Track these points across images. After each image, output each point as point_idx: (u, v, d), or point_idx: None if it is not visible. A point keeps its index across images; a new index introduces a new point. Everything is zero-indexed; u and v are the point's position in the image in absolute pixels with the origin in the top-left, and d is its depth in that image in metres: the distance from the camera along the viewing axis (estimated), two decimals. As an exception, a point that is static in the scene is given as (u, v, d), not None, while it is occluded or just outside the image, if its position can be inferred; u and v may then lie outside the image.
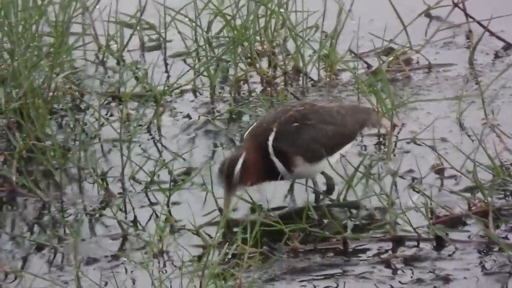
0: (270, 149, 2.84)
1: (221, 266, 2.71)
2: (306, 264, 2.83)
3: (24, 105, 3.27)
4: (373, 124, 3.04)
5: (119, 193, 3.10)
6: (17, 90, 3.28)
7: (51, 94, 3.36)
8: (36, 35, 3.35)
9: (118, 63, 3.74)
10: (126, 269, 2.81)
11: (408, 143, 3.34)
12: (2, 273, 2.79)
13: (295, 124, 2.86)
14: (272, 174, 2.87)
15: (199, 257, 2.74)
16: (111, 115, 3.51)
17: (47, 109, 3.33)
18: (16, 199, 3.08)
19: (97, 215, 3.02)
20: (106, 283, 2.75)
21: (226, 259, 2.74)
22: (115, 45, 3.75)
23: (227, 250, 2.73)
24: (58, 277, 2.78)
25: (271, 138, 2.84)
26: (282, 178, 2.90)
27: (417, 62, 3.78)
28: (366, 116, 3.00)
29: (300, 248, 2.89)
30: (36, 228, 2.98)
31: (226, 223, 2.82)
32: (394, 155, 3.25)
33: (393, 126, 3.27)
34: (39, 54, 3.33)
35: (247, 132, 2.91)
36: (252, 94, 3.60)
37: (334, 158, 2.93)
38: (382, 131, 3.36)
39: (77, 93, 3.54)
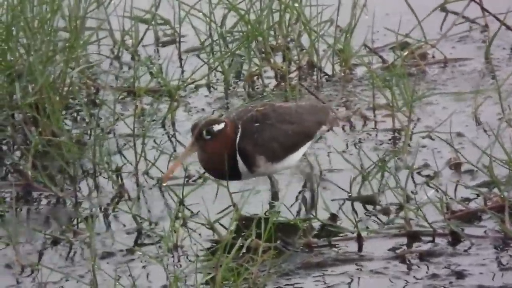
0: (236, 146, 2.86)
1: (236, 261, 2.70)
2: (320, 259, 2.82)
3: (39, 100, 3.28)
4: (330, 123, 3.04)
5: (137, 188, 3.11)
6: (33, 85, 3.29)
7: (66, 89, 3.37)
8: (52, 30, 3.36)
9: (133, 58, 3.74)
10: (141, 263, 2.82)
11: (423, 137, 3.32)
12: (19, 266, 2.79)
13: (257, 124, 2.87)
14: (233, 172, 2.86)
15: (214, 252, 2.74)
16: (126, 110, 3.51)
17: (62, 104, 3.33)
18: (31, 194, 3.09)
19: (112, 209, 3.03)
20: (120, 277, 2.75)
21: (241, 254, 2.73)
22: (130, 40, 3.75)
23: (241, 245, 2.72)
24: (73, 271, 2.79)
25: (238, 137, 2.86)
26: (238, 178, 2.89)
27: (433, 57, 3.76)
28: (325, 115, 3.00)
29: (314, 243, 2.88)
30: (51, 222, 2.99)
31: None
32: (410, 150, 3.23)
33: (408, 120, 3.25)
34: (55, 49, 3.34)
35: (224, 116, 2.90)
36: (266, 89, 3.59)
37: (295, 157, 2.93)
38: (398, 125, 3.35)
39: (92, 88, 3.55)
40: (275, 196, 2.99)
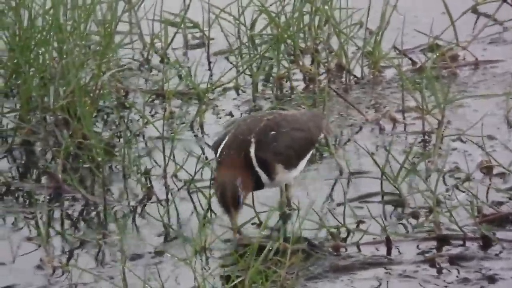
0: (254, 161, 2.83)
1: (264, 264, 2.70)
2: (348, 262, 2.80)
3: (71, 103, 3.32)
4: (326, 130, 3.03)
5: (166, 190, 3.12)
6: (64, 88, 3.33)
7: (97, 92, 3.40)
8: (84, 34, 3.40)
9: (162, 61, 3.77)
10: (169, 265, 2.83)
11: (454, 140, 3.29)
12: (50, 267, 2.82)
13: (272, 132, 2.86)
14: (257, 185, 2.86)
15: (242, 254, 2.74)
16: (156, 112, 3.53)
17: (93, 107, 3.37)
18: (62, 196, 3.13)
19: (141, 212, 3.05)
20: (149, 279, 2.77)
21: (269, 257, 2.73)
22: (160, 43, 3.78)
23: (269, 248, 2.72)
24: (103, 272, 2.81)
25: (252, 149, 2.83)
26: (262, 187, 2.89)
27: (464, 59, 3.72)
28: (321, 121, 3.00)
29: (342, 246, 2.86)
30: (81, 224, 3.02)
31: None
32: (440, 153, 3.20)
33: (440, 123, 3.22)
34: (87, 52, 3.37)
35: (220, 145, 2.87)
36: (294, 92, 3.59)
37: (303, 164, 2.92)
38: (427, 128, 3.32)
39: (122, 91, 3.58)
40: (283, 206, 2.96)
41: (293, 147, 2.87)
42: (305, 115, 2.97)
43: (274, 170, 2.85)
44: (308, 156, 2.93)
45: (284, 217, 2.95)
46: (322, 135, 3.02)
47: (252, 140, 2.85)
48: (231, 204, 2.82)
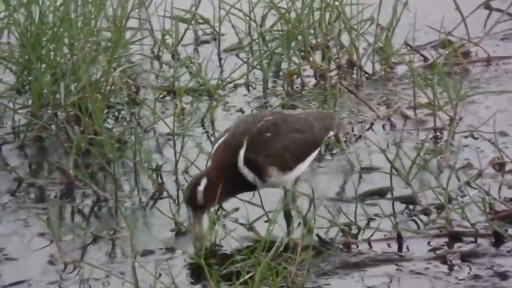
0: (240, 161, 2.79)
1: (274, 260, 2.70)
2: (359, 259, 2.79)
3: (82, 99, 3.32)
4: (337, 128, 2.99)
5: (176, 186, 3.13)
6: (75, 84, 3.33)
7: (108, 88, 3.40)
8: (95, 30, 3.40)
9: (173, 58, 3.77)
10: (180, 261, 2.83)
11: (466, 137, 3.27)
12: (62, 263, 2.83)
13: (268, 134, 2.83)
14: (245, 186, 2.82)
15: (252, 251, 2.74)
16: (166, 109, 3.54)
17: (104, 103, 3.37)
18: (73, 192, 3.14)
19: (151, 208, 3.05)
20: (160, 275, 2.77)
21: (279, 253, 2.73)
22: (170, 40, 3.78)
23: (279, 244, 2.71)
24: (115, 268, 2.82)
25: (242, 151, 2.80)
26: (254, 189, 2.86)
27: (476, 55, 3.70)
28: (331, 121, 2.96)
29: (353, 243, 2.85)
30: (92, 220, 3.03)
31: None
32: (452, 150, 3.19)
33: (452, 119, 3.20)
34: (98, 48, 3.38)
35: (216, 145, 2.86)
36: (305, 88, 3.58)
37: (304, 166, 2.88)
38: (439, 124, 3.31)
39: (133, 87, 3.59)
40: (287, 214, 2.93)
41: (289, 149, 2.83)
42: (311, 115, 2.93)
43: (267, 173, 2.81)
44: (311, 157, 2.88)
45: (289, 215, 2.94)
46: (330, 135, 2.97)
47: (245, 141, 2.82)
48: (188, 203, 2.79)
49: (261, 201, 2.96)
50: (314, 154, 2.91)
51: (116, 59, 3.40)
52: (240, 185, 2.81)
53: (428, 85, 3.38)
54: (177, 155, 3.18)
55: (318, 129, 2.90)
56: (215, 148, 2.86)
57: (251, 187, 2.84)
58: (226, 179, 2.79)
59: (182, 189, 3.03)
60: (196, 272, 2.77)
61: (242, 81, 3.63)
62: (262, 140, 2.83)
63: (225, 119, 3.47)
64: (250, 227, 2.90)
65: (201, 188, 2.78)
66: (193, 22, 3.81)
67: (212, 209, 2.86)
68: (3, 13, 3.54)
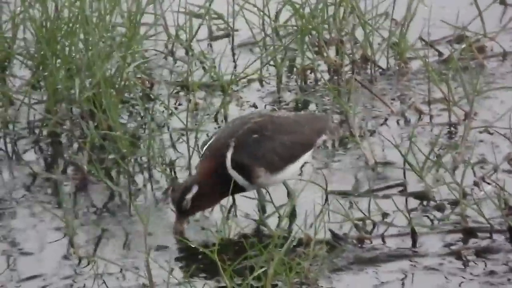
0: (228, 163, 2.81)
1: (287, 255, 2.69)
2: (373, 254, 2.79)
3: (96, 94, 3.34)
4: (331, 132, 2.99)
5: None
6: (90, 79, 3.35)
7: (122, 83, 3.42)
8: (110, 26, 3.41)
9: (187, 53, 3.77)
10: (193, 256, 2.84)
11: (481, 132, 3.25)
12: (76, 257, 2.85)
13: (255, 136, 2.83)
14: (234, 188, 2.83)
15: (265, 246, 2.74)
16: (180, 104, 3.54)
17: (118, 98, 3.38)
18: (87, 187, 3.15)
19: (165, 202, 3.06)
20: (173, 269, 2.78)
21: (292, 248, 2.73)
22: (184, 35, 3.79)
23: (292, 239, 2.71)
24: (129, 263, 2.83)
25: (229, 154, 2.82)
26: (244, 190, 2.87)
27: (491, 50, 3.67)
28: (323, 124, 2.95)
29: (367, 238, 2.85)
30: (106, 215, 3.04)
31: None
32: (467, 145, 3.17)
33: (468, 114, 3.19)
34: (112, 44, 3.39)
35: (205, 147, 2.88)
36: (319, 83, 3.57)
37: (295, 167, 2.88)
38: (453, 119, 3.29)
39: (147, 82, 3.59)
40: (263, 209, 2.94)
41: (276, 150, 2.83)
42: (302, 117, 2.94)
43: (255, 174, 2.82)
44: (302, 158, 2.88)
45: (293, 214, 2.94)
46: (324, 138, 2.97)
47: (231, 143, 2.83)
48: (175, 207, 2.83)
49: (270, 197, 2.96)
50: (307, 155, 2.91)
51: (130, 54, 3.41)
52: (230, 188, 2.83)
53: (443, 80, 3.36)
54: (191, 150, 3.19)
55: (308, 131, 2.90)
56: (203, 151, 2.88)
57: (241, 189, 2.85)
58: (216, 186, 2.83)
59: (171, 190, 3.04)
60: (209, 267, 2.78)
61: (255, 76, 3.62)
62: (249, 142, 2.83)
63: (238, 114, 3.47)
64: (263, 222, 2.90)
65: (189, 196, 2.81)
66: (207, 17, 3.81)
67: (194, 215, 2.89)
68: (19, 9, 3.56)
